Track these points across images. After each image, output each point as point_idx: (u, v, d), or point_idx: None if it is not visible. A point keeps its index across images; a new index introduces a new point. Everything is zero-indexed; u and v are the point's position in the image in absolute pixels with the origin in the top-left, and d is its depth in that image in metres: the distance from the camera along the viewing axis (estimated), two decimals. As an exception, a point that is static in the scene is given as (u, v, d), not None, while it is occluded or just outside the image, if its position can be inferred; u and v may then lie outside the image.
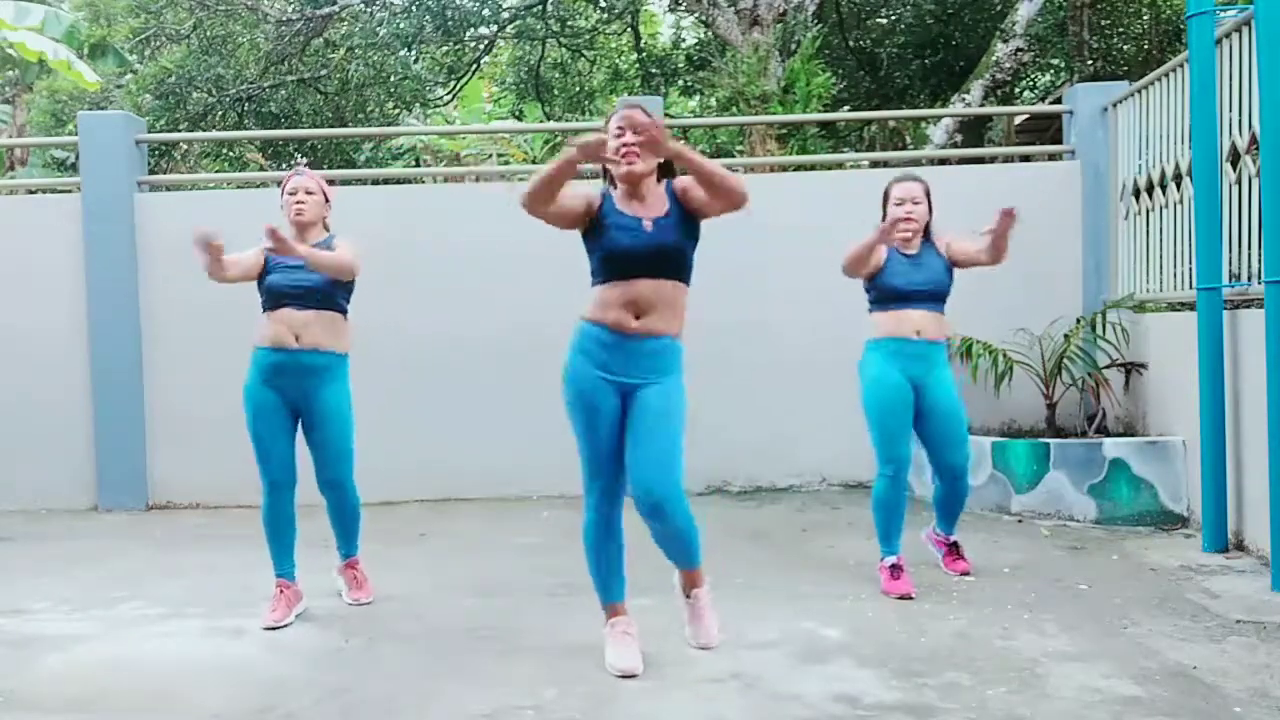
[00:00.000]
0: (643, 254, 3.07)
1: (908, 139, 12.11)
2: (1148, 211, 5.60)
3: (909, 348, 3.97)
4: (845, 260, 3.95)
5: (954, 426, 4.04)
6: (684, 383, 3.20)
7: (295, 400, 3.79)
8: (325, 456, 3.86)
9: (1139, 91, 5.67)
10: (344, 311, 3.86)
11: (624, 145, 3.06)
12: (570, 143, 2.97)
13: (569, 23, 12.62)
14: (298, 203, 3.81)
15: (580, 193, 3.16)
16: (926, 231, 4.09)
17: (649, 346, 3.10)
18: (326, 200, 3.91)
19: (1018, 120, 12.82)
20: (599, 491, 3.19)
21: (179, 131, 10.60)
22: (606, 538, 3.22)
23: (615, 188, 3.18)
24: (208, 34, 11.45)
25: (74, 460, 6.14)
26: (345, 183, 7.24)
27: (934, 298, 4.01)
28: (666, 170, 3.20)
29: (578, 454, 3.20)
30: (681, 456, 3.13)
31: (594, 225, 3.14)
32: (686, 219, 3.15)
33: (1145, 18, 12.67)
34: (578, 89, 13.61)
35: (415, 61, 12.21)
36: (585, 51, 13.55)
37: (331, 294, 3.79)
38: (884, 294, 4.01)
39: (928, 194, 4.06)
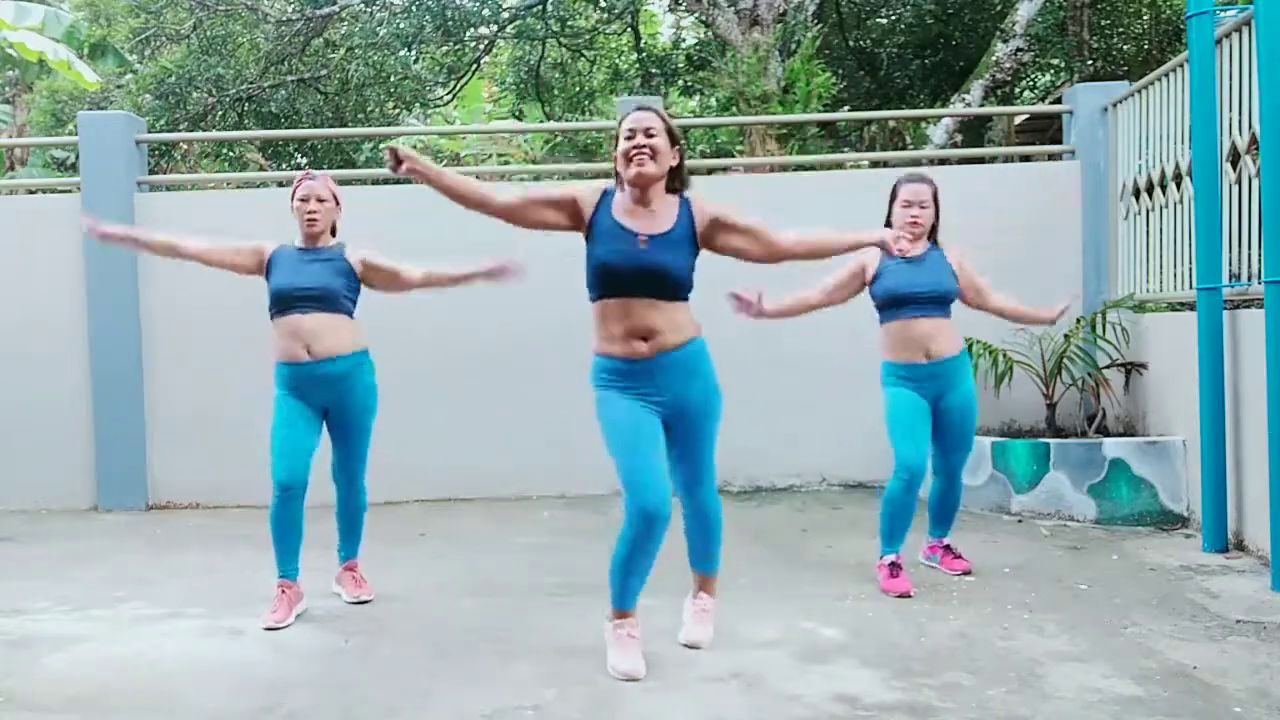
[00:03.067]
0: (635, 274, 3.00)
1: (908, 139, 12.11)
2: (1148, 211, 5.60)
3: (919, 372, 3.94)
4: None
5: (964, 430, 4.06)
6: (714, 373, 3.19)
7: (324, 403, 3.80)
8: (347, 451, 3.90)
9: (1139, 91, 5.68)
10: (350, 313, 3.83)
11: (634, 148, 2.99)
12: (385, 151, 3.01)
13: (569, 23, 12.62)
14: (310, 212, 3.77)
15: (555, 195, 3.10)
16: (933, 233, 4.07)
17: (670, 360, 3.07)
18: (337, 204, 3.87)
19: (1018, 120, 12.82)
20: (643, 514, 2.99)
21: (179, 131, 10.60)
22: (639, 557, 3.09)
23: (623, 190, 3.09)
24: (208, 34, 11.46)
25: (74, 460, 6.14)
26: (345, 183, 7.23)
27: (937, 302, 3.94)
28: (677, 183, 3.12)
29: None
30: (715, 445, 3.26)
31: (590, 230, 3.08)
32: (690, 238, 3.06)
33: (1145, 18, 12.68)
34: (578, 89, 13.61)
35: (415, 61, 12.21)
36: (585, 51, 13.55)
37: (337, 296, 3.75)
38: (884, 300, 3.98)
39: (935, 196, 4.03)
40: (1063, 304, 4.18)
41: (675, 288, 3.05)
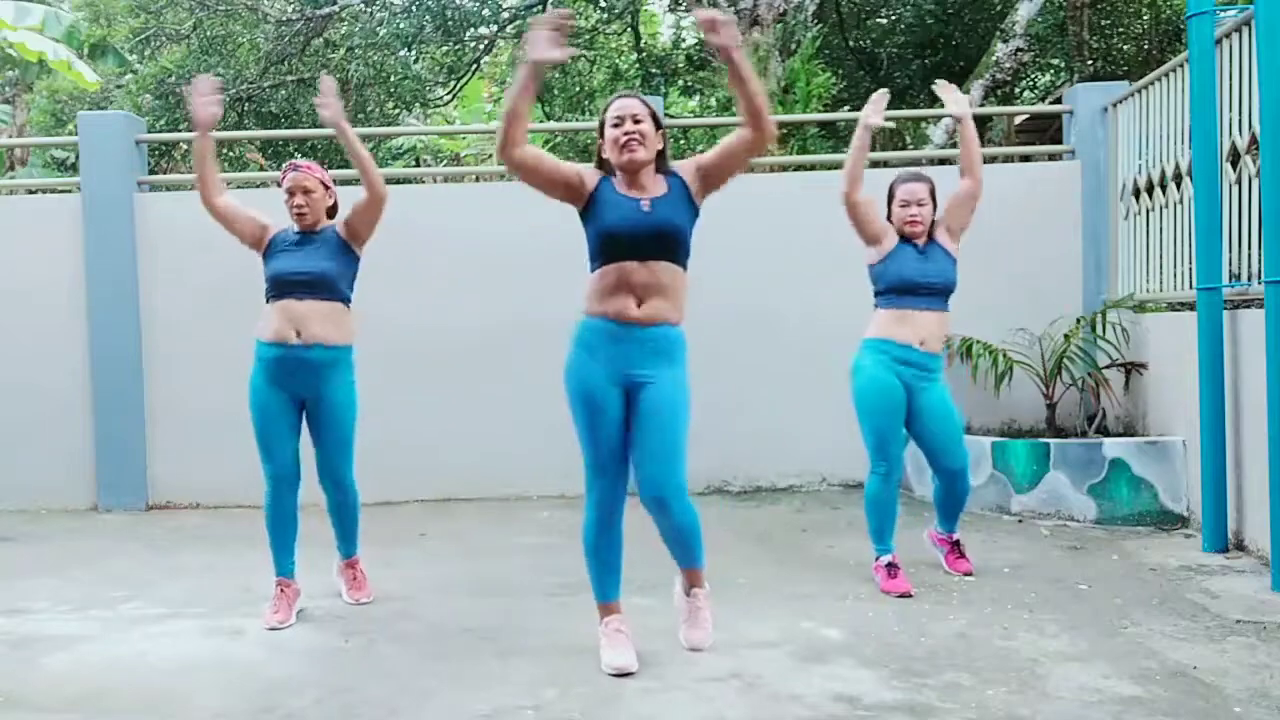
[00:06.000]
0: (640, 233, 3.03)
1: (908, 139, 12.10)
2: (1148, 211, 5.60)
3: (907, 355, 3.95)
4: (844, 180, 4.01)
5: (949, 429, 4.04)
6: (688, 372, 3.18)
7: (301, 394, 3.76)
8: (327, 450, 3.85)
9: (1139, 91, 5.68)
10: (348, 301, 3.82)
11: (625, 134, 3.04)
12: (526, 37, 2.94)
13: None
14: (298, 206, 3.75)
15: (570, 164, 3.16)
16: (931, 230, 4.09)
17: (653, 335, 3.07)
18: (327, 189, 3.82)
19: (1018, 120, 12.81)
20: (600, 490, 3.16)
21: (179, 131, 10.60)
22: (606, 537, 3.20)
23: (614, 176, 3.15)
24: (208, 34, 11.45)
25: (74, 460, 6.14)
26: (345, 183, 7.24)
27: (941, 293, 3.99)
28: (661, 165, 3.18)
29: (580, 451, 3.18)
30: (685, 451, 3.13)
31: (590, 204, 3.11)
32: (687, 201, 3.12)
33: (1145, 18, 12.67)
34: (578, 89, 13.59)
35: (415, 61, 12.20)
36: (585, 51, 13.53)
37: (336, 283, 3.74)
38: (892, 285, 3.98)
39: (933, 193, 4.05)
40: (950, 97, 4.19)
41: (677, 247, 3.09)
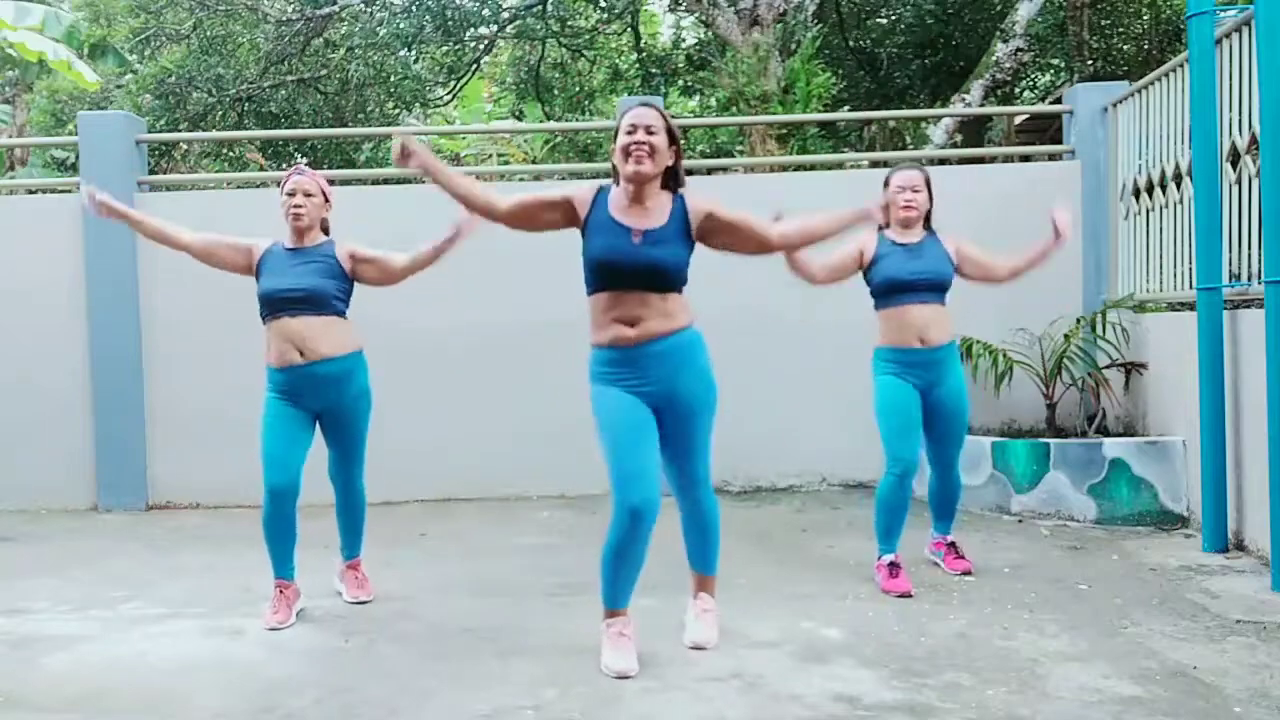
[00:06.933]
0: (627, 268, 3.02)
1: (908, 139, 12.11)
2: (1148, 211, 5.60)
3: (914, 357, 3.95)
4: (819, 273, 4.01)
5: (956, 424, 4.07)
6: (709, 365, 3.17)
7: (316, 408, 3.76)
8: (342, 454, 3.88)
9: (1139, 91, 5.68)
10: (342, 314, 3.79)
11: (634, 144, 3.01)
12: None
13: (569, 23, 12.61)
14: (296, 206, 3.72)
15: (552, 197, 3.13)
16: (928, 220, 4.08)
17: (658, 348, 3.07)
18: (326, 200, 3.83)
19: (1018, 120, 12.82)
20: (628, 509, 3.03)
21: (179, 131, 10.60)
22: (627, 554, 3.11)
23: (619, 185, 3.13)
24: (208, 34, 11.44)
25: (74, 460, 6.14)
26: (345, 183, 7.24)
27: (934, 288, 3.97)
28: (672, 182, 3.14)
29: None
30: (711, 443, 3.24)
31: (586, 225, 3.11)
32: (684, 233, 3.09)
33: (1145, 18, 12.67)
34: (578, 89, 13.60)
35: (415, 61, 12.20)
36: (585, 51, 13.54)
37: (327, 298, 3.71)
38: (881, 287, 4.00)
39: (928, 183, 4.05)
40: (1060, 219, 3.97)
41: (668, 281, 3.08)
